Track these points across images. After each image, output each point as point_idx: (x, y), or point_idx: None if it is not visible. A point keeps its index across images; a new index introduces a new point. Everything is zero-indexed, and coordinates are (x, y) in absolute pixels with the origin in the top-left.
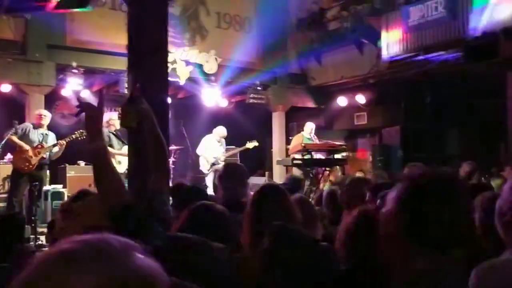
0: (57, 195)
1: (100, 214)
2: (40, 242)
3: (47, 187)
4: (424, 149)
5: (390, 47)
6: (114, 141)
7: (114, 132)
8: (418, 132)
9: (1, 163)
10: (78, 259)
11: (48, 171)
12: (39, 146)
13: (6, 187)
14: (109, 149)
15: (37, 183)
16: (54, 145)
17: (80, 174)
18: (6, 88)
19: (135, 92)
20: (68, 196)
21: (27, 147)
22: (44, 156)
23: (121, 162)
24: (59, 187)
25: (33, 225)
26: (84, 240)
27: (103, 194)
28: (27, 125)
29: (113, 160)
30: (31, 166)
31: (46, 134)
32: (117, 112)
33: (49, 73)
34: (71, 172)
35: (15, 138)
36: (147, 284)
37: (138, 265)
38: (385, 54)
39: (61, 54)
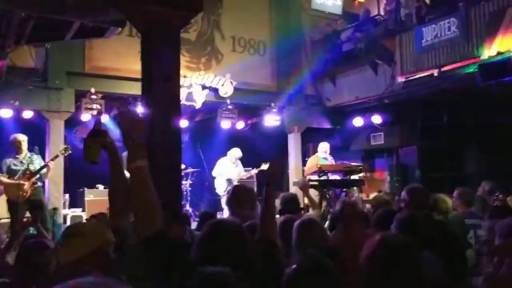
0: (76, 219)
1: (104, 236)
2: None
3: (65, 211)
4: (442, 169)
5: (404, 67)
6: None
7: None
8: (435, 151)
9: None
10: None
11: (67, 195)
12: (28, 172)
13: None
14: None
15: (36, 211)
16: (42, 167)
17: (98, 197)
18: (28, 114)
19: (98, 126)
20: (86, 220)
21: (15, 181)
22: (35, 180)
23: None
24: (78, 211)
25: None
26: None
27: (139, 220)
28: (7, 160)
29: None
30: (25, 194)
31: (29, 157)
32: None
33: (68, 99)
34: (89, 195)
35: (3, 178)
36: None
37: None
38: (400, 74)
39: (80, 81)
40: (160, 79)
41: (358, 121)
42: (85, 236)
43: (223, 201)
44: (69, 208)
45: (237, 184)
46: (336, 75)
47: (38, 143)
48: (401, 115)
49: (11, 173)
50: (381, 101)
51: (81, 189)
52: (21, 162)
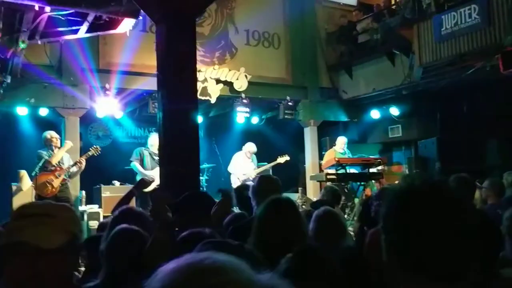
0: (93, 215)
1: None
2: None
3: (83, 207)
4: (463, 161)
5: (423, 57)
6: (148, 159)
7: (152, 152)
8: (455, 143)
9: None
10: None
11: (83, 192)
12: (58, 168)
13: None
14: (138, 167)
15: None
16: (73, 165)
17: (115, 194)
18: (44, 112)
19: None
20: (104, 217)
21: (47, 175)
22: (65, 177)
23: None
24: (95, 207)
25: None
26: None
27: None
28: (42, 152)
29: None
30: (54, 190)
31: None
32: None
33: (83, 96)
34: (106, 192)
35: (44, 175)
36: None
37: None
38: (418, 64)
39: (95, 77)
40: (177, 69)
41: (375, 114)
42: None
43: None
44: (86, 204)
45: (262, 175)
46: (352, 67)
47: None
48: (419, 107)
49: (42, 169)
50: (399, 92)
51: (98, 186)
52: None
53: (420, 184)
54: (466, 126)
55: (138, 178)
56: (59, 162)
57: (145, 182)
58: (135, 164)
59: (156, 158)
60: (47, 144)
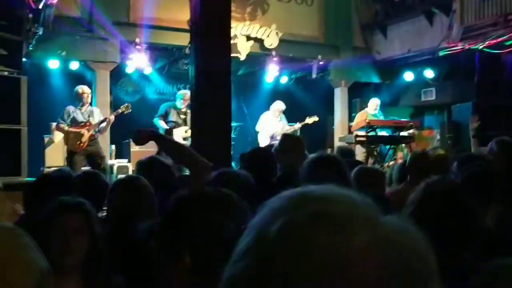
0: (122, 169)
1: None
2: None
3: (112, 161)
4: (500, 127)
5: (464, 16)
6: (174, 116)
7: (181, 108)
8: (492, 108)
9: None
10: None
11: (113, 146)
12: (88, 124)
13: None
14: (162, 123)
15: (98, 160)
16: (102, 121)
17: (144, 149)
18: (74, 66)
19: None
20: (132, 171)
21: (77, 130)
22: (93, 133)
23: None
24: (124, 162)
25: None
26: None
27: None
28: (70, 108)
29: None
30: (82, 144)
31: (91, 110)
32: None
33: (113, 50)
34: (135, 147)
35: (63, 126)
36: None
37: None
38: (459, 24)
39: (125, 31)
40: (211, 21)
41: (408, 76)
42: None
43: None
44: (115, 158)
45: (285, 133)
46: (387, 26)
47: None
48: (456, 70)
49: (73, 122)
50: (435, 54)
51: (127, 140)
52: (83, 113)
53: None
54: (505, 91)
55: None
56: (88, 116)
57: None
58: (158, 121)
59: (182, 116)
60: (78, 98)
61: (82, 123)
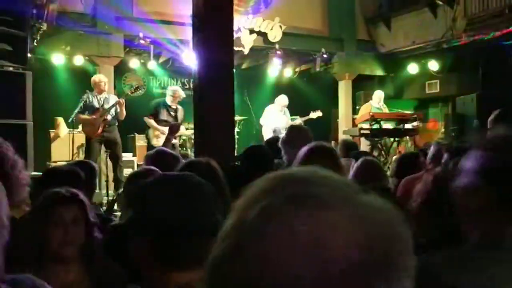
0: (128, 163)
1: None
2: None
3: None
4: (504, 119)
5: (468, 8)
6: (164, 113)
7: (170, 105)
8: (497, 100)
9: (76, 132)
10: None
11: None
12: (101, 109)
13: (81, 155)
14: (151, 122)
15: (112, 147)
16: (112, 106)
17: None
18: (79, 61)
19: None
20: (138, 165)
21: (91, 116)
22: (106, 117)
23: (159, 137)
24: (129, 156)
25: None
26: None
27: None
28: (87, 95)
29: (150, 132)
30: (96, 131)
31: (106, 97)
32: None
33: (117, 45)
34: (140, 141)
35: (81, 116)
36: None
37: None
38: (463, 15)
39: (129, 25)
40: (213, 12)
41: (413, 68)
42: None
43: None
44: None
45: (292, 124)
46: (391, 18)
47: (89, 89)
48: (460, 62)
49: (89, 109)
50: (440, 46)
51: (132, 135)
52: (98, 100)
53: None
54: (509, 83)
55: (149, 132)
56: (103, 102)
57: (177, 127)
58: (146, 120)
59: (173, 113)
60: (94, 87)
61: (97, 110)
